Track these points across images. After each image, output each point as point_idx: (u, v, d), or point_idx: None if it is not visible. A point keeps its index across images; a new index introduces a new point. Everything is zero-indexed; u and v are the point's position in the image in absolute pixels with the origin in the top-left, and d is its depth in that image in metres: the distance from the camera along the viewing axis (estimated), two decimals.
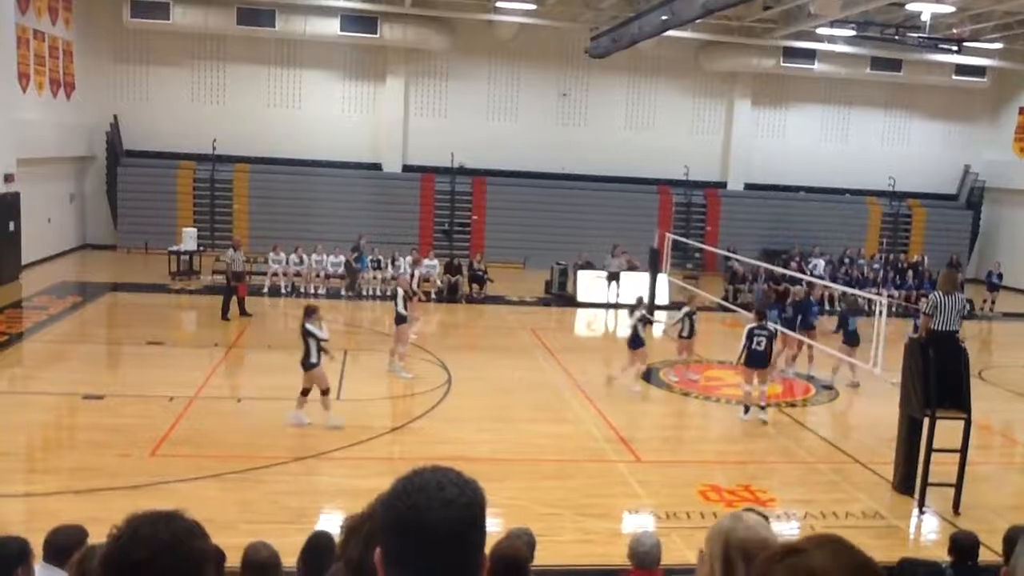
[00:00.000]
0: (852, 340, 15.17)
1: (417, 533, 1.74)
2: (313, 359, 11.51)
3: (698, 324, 15.57)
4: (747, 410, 12.78)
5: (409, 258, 22.19)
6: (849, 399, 14.95)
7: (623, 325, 21.47)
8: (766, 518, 2.73)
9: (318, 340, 11.56)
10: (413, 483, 1.78)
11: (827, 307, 22.84)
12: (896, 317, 20.20)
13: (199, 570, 1.96)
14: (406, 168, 28.78)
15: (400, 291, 14.83)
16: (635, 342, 14.28)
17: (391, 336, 15.15)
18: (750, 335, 12.74)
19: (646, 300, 15.27)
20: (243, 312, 18.58)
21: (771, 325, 13.24)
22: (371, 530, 1.91)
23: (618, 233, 24.87)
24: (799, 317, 15.91)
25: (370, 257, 22.78)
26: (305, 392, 11.62)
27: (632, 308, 15.04)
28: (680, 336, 15.29)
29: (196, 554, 1.97)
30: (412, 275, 18.69)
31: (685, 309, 15.18)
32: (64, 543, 4.65)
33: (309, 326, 11.52)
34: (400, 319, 14.60)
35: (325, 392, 11.61)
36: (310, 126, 28.12)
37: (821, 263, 25.34)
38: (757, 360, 12.72)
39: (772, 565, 1.75)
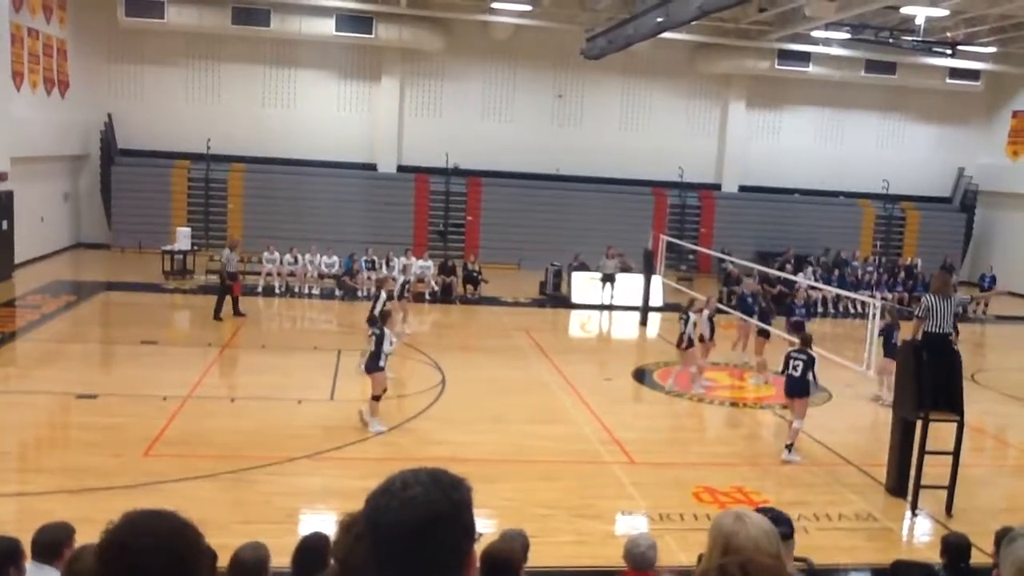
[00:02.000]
0: (894, 353, 12.96)
1: (375, 533, 1.75)
2: (380, 362, 11.63)
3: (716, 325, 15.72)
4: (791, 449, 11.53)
5: (402, 259, 22.19)
6: (842, 401, 14.93)
7: (617, 327, 21.63)
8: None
9: (391, 343, 11.83)
10: (383, 484, 1.79)
11: (819, 309, 23.00)
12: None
13: (193, 568, 1.97)
14: (401, 168, 28.75)
15: (382, 294, 14.87)
16: (689, 341, 14.72)
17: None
18: (786, 359, 11.86)
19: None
20: (237, 312, 18.53)
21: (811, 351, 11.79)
22: (360, 530, 1.93)
23: (612, 235, 24.82)
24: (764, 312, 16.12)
25: (364, 258, 22.80)
26: (377, 398, 11.65)
27: (685, 310, 15.10)
28: (701, 340, 15.19)
29: (191, 552, 1.97)
30: (404, 274, 18.64)
31: (706, 312, 15.16)
32: (51, 539, 4.65)
33: (387, 330, 11.79)
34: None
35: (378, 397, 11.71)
36: (305, 126, 28.08)
37: (810, 270, 25.28)
38: (792, 387, 11.53)
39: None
